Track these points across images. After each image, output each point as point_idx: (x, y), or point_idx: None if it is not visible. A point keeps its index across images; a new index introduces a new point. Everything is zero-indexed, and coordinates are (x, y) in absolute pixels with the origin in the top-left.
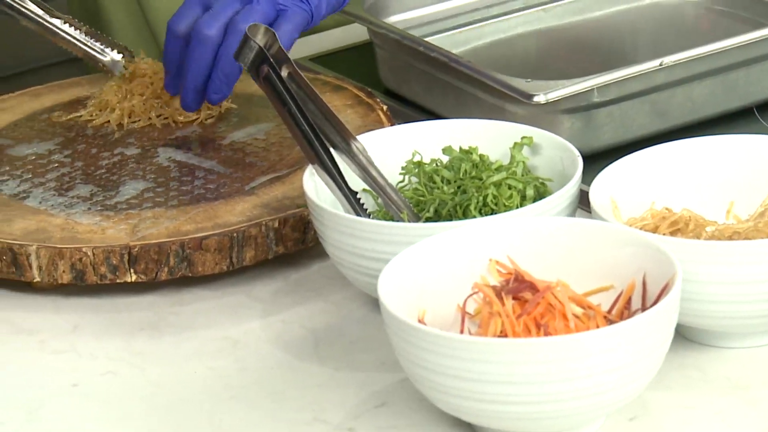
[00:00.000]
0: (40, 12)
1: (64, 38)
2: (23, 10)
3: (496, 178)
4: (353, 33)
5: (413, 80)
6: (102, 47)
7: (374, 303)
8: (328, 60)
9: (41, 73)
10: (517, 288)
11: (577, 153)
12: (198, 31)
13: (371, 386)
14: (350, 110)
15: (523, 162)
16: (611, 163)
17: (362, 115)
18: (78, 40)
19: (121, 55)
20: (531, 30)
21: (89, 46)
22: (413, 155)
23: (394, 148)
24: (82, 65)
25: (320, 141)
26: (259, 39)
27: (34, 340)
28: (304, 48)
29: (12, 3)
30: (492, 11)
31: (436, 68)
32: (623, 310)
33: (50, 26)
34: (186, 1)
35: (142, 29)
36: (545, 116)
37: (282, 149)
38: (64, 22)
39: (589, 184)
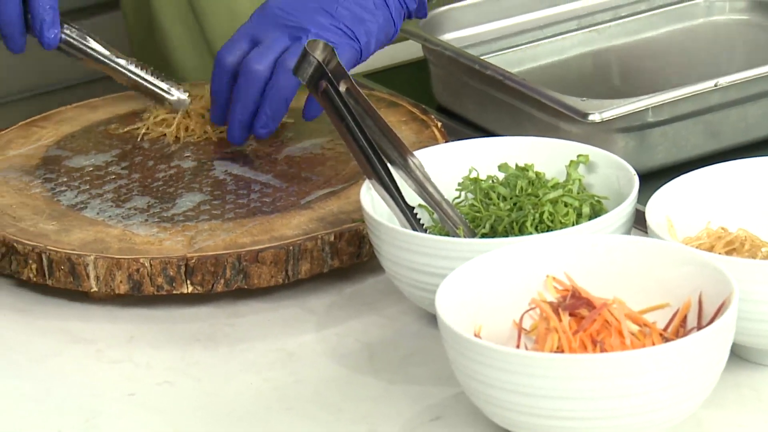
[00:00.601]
0: (105, 52)
1: (129, 77)
2: (87, 50)
3: (552, 195)
4: (405, 50)
5: (467, 97)
6: (168, 86)
7: (428, 317)
8: (382, 76)
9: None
10: (574, 304)
11: (634, 172)
12: (247, 66)
13: (426, 400)
14: (405, 126)
15: (579, 180)
16: (664, 182)
17: (417, 132)
18: (144, 79)
19: (186, 94)
20: (584, 50)
21: (155, 85)
22: (470, 171)
23: (450, 164)
24: (107, 84)
25: (377, 156)
26: (318, 54)
27: (91, 350)
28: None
29: (76, 43)
30: (546, 32)
31: (491, 86)
32: (679, 328)
33: (116, 66)
34: (236, 33)
35: (198, 45)
36: (599, 135)
37: (337, 164)
38: (129, 62)
39: (642, 204)
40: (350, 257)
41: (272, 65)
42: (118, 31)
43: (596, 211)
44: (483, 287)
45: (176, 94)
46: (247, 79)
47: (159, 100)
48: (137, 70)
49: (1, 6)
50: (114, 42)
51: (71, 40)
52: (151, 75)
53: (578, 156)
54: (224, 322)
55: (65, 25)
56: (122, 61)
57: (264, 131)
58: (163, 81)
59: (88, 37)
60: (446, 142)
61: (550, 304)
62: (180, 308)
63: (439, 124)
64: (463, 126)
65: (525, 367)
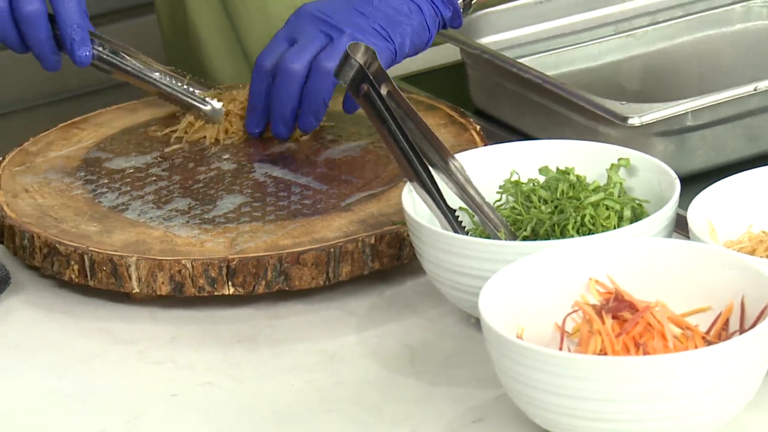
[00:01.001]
0: (138, 66)
1: (162, 90)
2: (120, 65)
3: (594, 198)
4: (442, 54)
5: (505, 101)
6: (203, 97)
7: (469, 319)
8: (419, 79)
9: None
10: (617, 307)
11: (675, 175)
12: (283, 65)
13: (468, 402)
14: (443, 129)
15: (620, 183)
16: (702, 186)
17: (455, 135)
18: (178, 91)
19: (221, 104)
20: (621, 55)
21: (189, 97)
22: (511, 174)
23: (489, 167)
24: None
25: (419, 159)
26: (360, 57)
27: (132, 351)
28: (395, 68)
29: (108, 59)
30: (582, 36)
31: (530, 89)
32: (721, 331)
33: (149, 79)
34: (274, 38)
35: (234, 50)
36: (638, 139)
37: (377, 167)
38: (163, 74)
39: (681, 207)
40: (390, 259)
41: (308, 65)
42: (152, 35)
43: (637, 215)
44: (525, 290)
45: (210, 104)
46: (284, 78)
47: (194, 110)
48: (171, 83)
49: (29, 27)
50: (148, 46)
51: (104, 56)
52: (186, 84)
53: (619, 159)
54: (265, 324)
55: (96, 41)
56: (156, 75)
57: (306, 128)
58: (198, 89)
59: (120, 52)
60: (485, 145)
61: (594, 306)
62: (220, 309)
63: (478, 127)
64: (500, 129)
65: (569, 369)
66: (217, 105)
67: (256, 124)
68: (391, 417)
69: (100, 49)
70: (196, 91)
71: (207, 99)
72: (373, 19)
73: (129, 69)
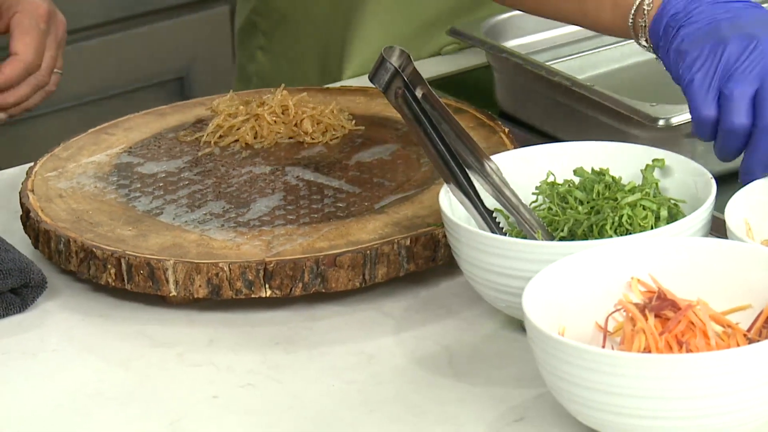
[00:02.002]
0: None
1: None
2: None
3: (630, 198)
4: (466, 58)
5: (532, 104)
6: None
7: (505, 319)
8: (444, 83)
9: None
10: (660, 306)
11: (711, 176)
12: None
13: (509, 401)
14: (472, 132)
15: (656, 183)
16: (731, 187)
17: (485, 138)
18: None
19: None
20: (644, 57)
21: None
22: (547, 176)
23: (522, 169)
24: (171, 89)
25: (455, 160)
26: (394, 60)
27: (171, 353)
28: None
29: None
30: (606, 39)
31: (557, 92)
32: (761, 329)
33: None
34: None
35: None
36: (668, 140)
37: (408, 170)
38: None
39: (715, 208)
40: (426, 261)
41: None
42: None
43: (673, 215)
44: (567, 289)
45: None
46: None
47: None
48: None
49: None
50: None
51: None
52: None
53: (654, 160)
54: (302, 326)
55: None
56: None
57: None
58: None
59: None
60: (515, 147)
61: (637, 305)
62: (257, 312)
63: (507, 129)
64: (527, 132)
65: (615, 366)
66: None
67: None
68: (434, 417)
69: None
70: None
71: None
72: None
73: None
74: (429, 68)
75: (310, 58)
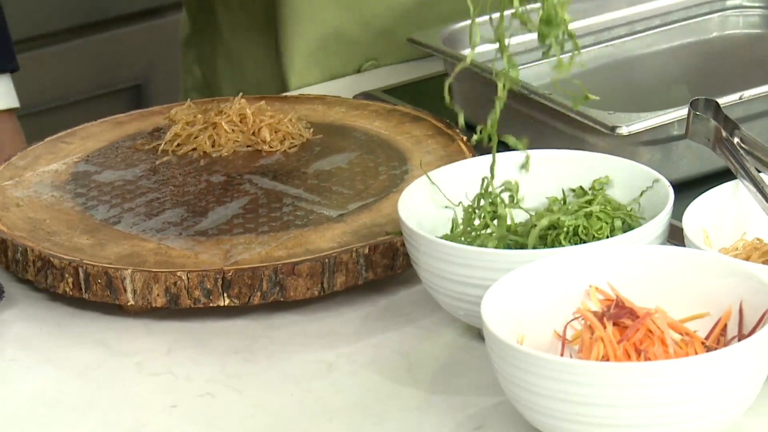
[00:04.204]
0: None
1: None
2: None
3: (587, 209)
4: (425, 66)
5: (490, 112)
6: None
7: (463, 327)
8: (402, 92)
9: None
10: (618, 314)
11: (668, 184)
12: None
13: (467, 409)
14: (431, 140)
15: (605, 197)
16: (689, 194)
17: (444, 146)
18: None
19: None
20: (601, 64)
21: None
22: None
23: (480, 177)
24: (128, 97)
25: None
26: (704, 111)
27: (130, 363)
28: (377, 80)
29: None
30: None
31: (515, 100)
32: (719, 337)
33: None
34: None
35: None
36: (625, 148)
37: (367, 178)
38: None
39: (672, 216)
40: (384, 269)
41: None
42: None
43: (628, 225)
44: (526, 297)
45: None
46: None
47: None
48: None
49: None
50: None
51: None
52: None
53: (600, 178)
54: (261, 335)
55: None
56: None
57: None
58: None
59: None
60: (473, 155)
61: (595, 313)
62: (215, 321)
63: (465, 138)
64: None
65: (573, 375)
66: None
67: None
68: (393, 425)
69: None
70: None
71: None
72: None
73: None
74: (387, 77)
75: (248, 72)
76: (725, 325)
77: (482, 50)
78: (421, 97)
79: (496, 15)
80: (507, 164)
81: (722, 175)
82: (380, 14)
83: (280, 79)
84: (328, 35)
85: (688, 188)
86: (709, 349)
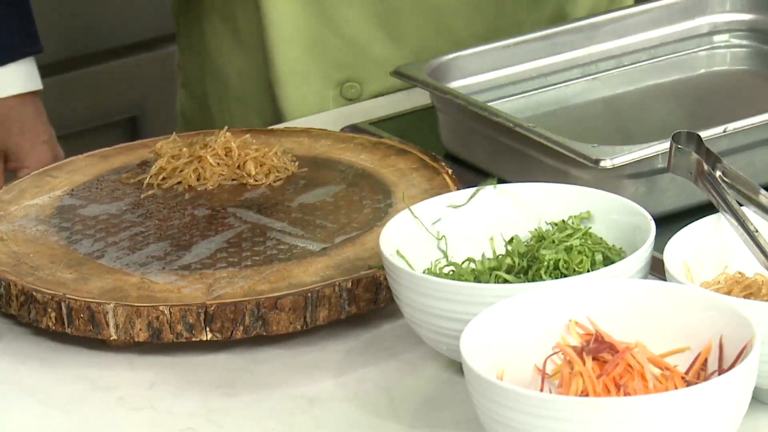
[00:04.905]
0: None
1: None
2: None
3: (567, 243)
4: (412, 98)
5: (476, 144)
6: None
7: (446, 362)
8: (389, 124)
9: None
10: (598, 348)
11: (650, 217)
12: None
13: None
14: (416, 173)
15: (587, 230)
16: (672, 228)
17: (429, 179)
18: None
19: None
20: (587, 98)
21: None
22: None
23: (465, 210)
24: (123, 129)
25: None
26: (686, 144)
27: (112, 397)
28: (364, 113)
29: None
30: (549, 79)
31: (500, 133)
32: (699, 371)
33: None
34: None
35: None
36: (609, 181)
37: (350, 211)
38: None
39: (654, 249)
40: (367, 303)
41: None
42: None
43: (609, 258)
44: (505, 332)
45: None
46: None
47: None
48: None
49: None
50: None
51: None
52: None
53: (581, 213)
54: (243, 369)
55: None
56: None
57: None
58: None
59: None
60: (458, 189)
61: (574, 348)
62: (198, 355)
63: (450, 171)
64: (471, 173)
65: (551, 410)
66: None
67: None
68: None
69: None
70: None
71: None
72: None
73: None
74: (373, 109)
75: (233, 89)
76: (705, 360)
77: (468, 82)
78: (408, 129)
79: (487, 47)
80: (493, 197)
81: (707, 209)
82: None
83: (269, 94)
84: (310, 48)
85: (671, 221)
86: (689, 384)
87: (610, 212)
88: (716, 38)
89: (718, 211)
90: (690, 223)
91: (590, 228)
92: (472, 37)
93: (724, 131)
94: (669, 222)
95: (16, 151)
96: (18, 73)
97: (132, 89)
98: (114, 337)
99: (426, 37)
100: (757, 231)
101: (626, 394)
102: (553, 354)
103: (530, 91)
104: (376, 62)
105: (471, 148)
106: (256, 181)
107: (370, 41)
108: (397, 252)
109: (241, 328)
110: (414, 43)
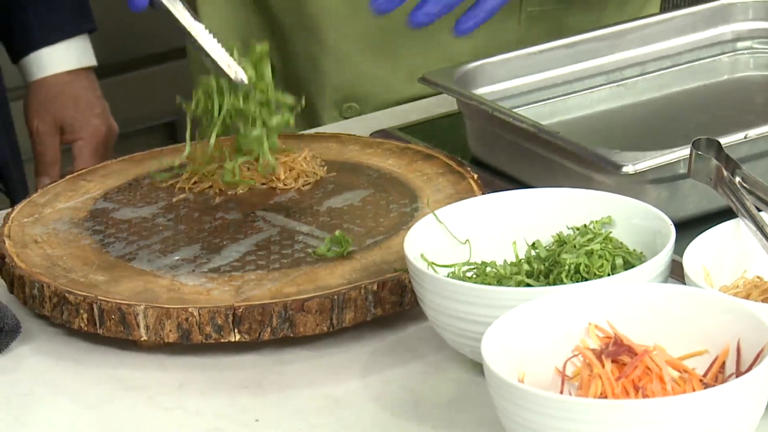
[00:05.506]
0: (186, 13)
1: (199, 44)
2: (169, 8)
3: (588, 247)
4: (439, 104)
5: (501, 150)
6: (231, 65)
7: (471, 364)
8: (417, 129)
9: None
10: (616, 351)
11: (670, 222)
12: None
13: None
14: (442, 178)
15: (607, 234)
16: (695, 232)
17: (454, 183)
18: (212, 49)
19: (248, 78)
20: (612, 105)
21: (221, 59)
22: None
23: (489, 216)
24: (162, 133)
25: None
26: (706, 150)
27: (142, 397)
28: (393, 118)
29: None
30: (574, 86)
31: (525, 139)
32: (717, 374)
33: (189, 28)
34: None
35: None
36: (632, 186)
37: (377, 215)
38: (209, 33)
39: (675, 253)
40: (393, 306)
41: None
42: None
43: (629, 263)
44: (527, 335)
45: (236, 73)
46: None
47: (222, 74)
48: (210, 40)
49: None
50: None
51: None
52: (223, 52)
53: (602, 218)
54: (271, 370)
55: None
56: (200, 26)
57: (425, 18)
58: (230, 59)
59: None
60: (483, 193)
61: (593, 351)
62: (227, 356)
63: (475, 176)
64: (497, 178)
65: (570, 412)
66: (243, 77)
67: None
68: None
69: None
70: (228, 59)
71: (235, 68)
72: None
73: (176, 14)
74: (401, 114)
75: None
76: (723, 363)
77: (495, 89)
78: (436, 134)
79: (513, 54)
80: (516, 202)
81: (727, 214)
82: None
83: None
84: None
85: (691, 226)
86: (707, 386)
87: (631, 217)
88: (739, 45)
89: (737, 217)
90: (709, 228)
91: (611, 232)
92: (466, 55)
93: (745, 137)
94: (689, 227)
95: (71, 123)
96: (71, 50)
97: (172, 94)
98: (144, 338)
99: (419, 54)
100: None
101: (645, 396)
102: (573, 356)
103: (555, 97)
104: (373, 82)
105: (496, 153)
106: (286, 185)
107: (365, 62)
108: (422, 255)
109: (269, 329)
110: (408, 61)
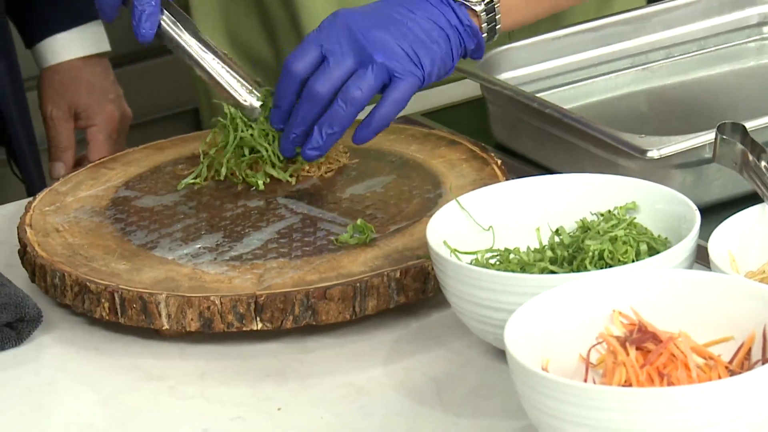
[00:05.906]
0: (193, 43)
1: (210, 76)
2: (177, 40)
3: (612, 233)
4: (463, 89)
5: (525, 135)
6: (245, 93)
7: (494, 351)
8: (440, 115)
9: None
10: (641, 338)
11: (695, 207)
12: (310, 87)
13: None
14: (465, 164)
15: (632, 220)
16: (720, 217)
17: (477, 169)
18: (224, 80)
19: (260, 104)
20: (637, 88)
21: (233, 89)
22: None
23: (513, 201)
24: (186, 120)
25: None
26: (731, 135)
27: (163, 386)
28: (416, 104)
29: (168, 31)
30: (599, 69)
31: (549, 124)
32: (743, 361)
33: (200, 61)
34: (305, 39)
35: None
36: (657, 171)
37: (400, 202)
38: (216, 59)
39: (700, 238)
40: (416, 293)
41: (336, 90)
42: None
43: (654, 249)
44: (550, 322)
45: (250, 101)
46: (309, 100)
47: (234, 101)
48: (220, 70)
49: None
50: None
51: (165, 28)
52: (234, 75)
53: (626, 204)
54: (293, 358)
55: (163, 10)
56: (209, 57)
57: (313, 153)
58: (243, 85)
59: (181, 26)
60: (507, 179)
61: (617, 338)
62: (249, 344)
63: (499, 161)
64: (521, 163)
65: (594, 400)
66: (256, 104)
67: (279, 121)
68: None
69: (165, 19)
70: (241, 87)
71: (248, 96)
72: (405, 42)
73: (184, 46)
74: (425, 99)
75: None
76: (749, 349)
77: (518, 74)
78: (460, 119)
79: (536, 38)
80: (540, 188)
81: (753, 198)
82: None
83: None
84: None
85: (716, 210)
86: (732, 373)
87: (655, 202)
88: (765, 29)
89: (763, 201)
90: (735, 213)
91: (635, 218)
92: None
93: None
94: (714, 212)
95: (85, 109)
96: (85, 36)
97: (195, 81)
98: (166, 326)
99: None
100: None
101: (670, 383)
102: (597, 344)
103: (579, 81)
104: None
105: (520, 138)
106: (308, 172)
107: None
108: (444, 242)
109: (291, 317)
110: None
